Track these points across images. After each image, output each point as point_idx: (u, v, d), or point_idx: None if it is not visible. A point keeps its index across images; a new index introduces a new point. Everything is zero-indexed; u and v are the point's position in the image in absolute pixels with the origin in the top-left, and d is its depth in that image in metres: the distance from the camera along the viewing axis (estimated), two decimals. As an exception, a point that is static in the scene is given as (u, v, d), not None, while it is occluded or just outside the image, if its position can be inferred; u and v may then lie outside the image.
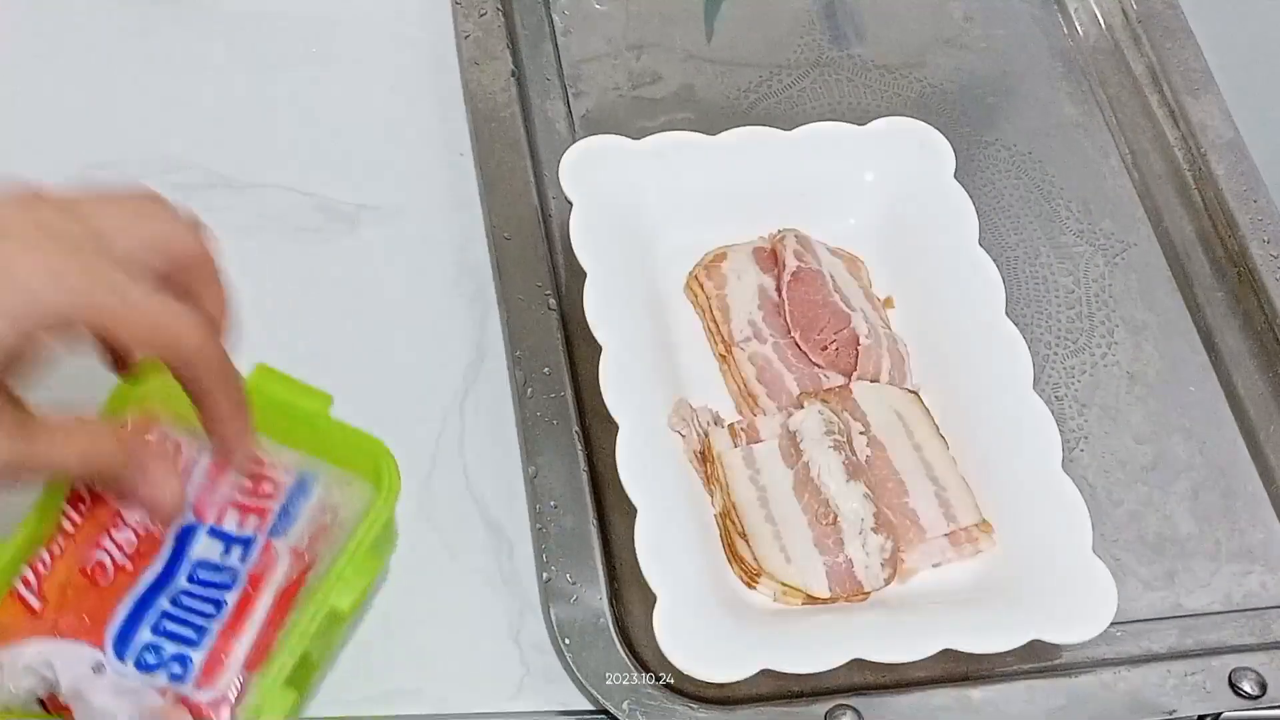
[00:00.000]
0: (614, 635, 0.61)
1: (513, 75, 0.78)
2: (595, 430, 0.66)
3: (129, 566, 0.53)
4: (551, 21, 0.84)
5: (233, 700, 0.50)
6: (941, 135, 0.74)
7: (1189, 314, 0.77)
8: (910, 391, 0.69)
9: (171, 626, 0.52)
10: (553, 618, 0.61)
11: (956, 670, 0.62)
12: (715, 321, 0.70)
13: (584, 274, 0.67)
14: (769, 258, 0.72)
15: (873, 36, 0.87)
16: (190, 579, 0.53)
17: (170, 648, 0.51)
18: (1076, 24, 0.89)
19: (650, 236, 0.71)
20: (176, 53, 0.79)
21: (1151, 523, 0.69)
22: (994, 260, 0.70)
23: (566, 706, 0.61)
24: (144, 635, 0.51)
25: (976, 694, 0.62)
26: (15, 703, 0.50)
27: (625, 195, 0.71)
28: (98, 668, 0.50)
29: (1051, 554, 0.63)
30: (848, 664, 0.58)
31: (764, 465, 0.65)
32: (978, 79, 0.86)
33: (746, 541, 0.63)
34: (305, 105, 0.78)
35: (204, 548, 0.54)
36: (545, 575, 0.62)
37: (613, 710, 0.59)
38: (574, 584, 0.62)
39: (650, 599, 0.58)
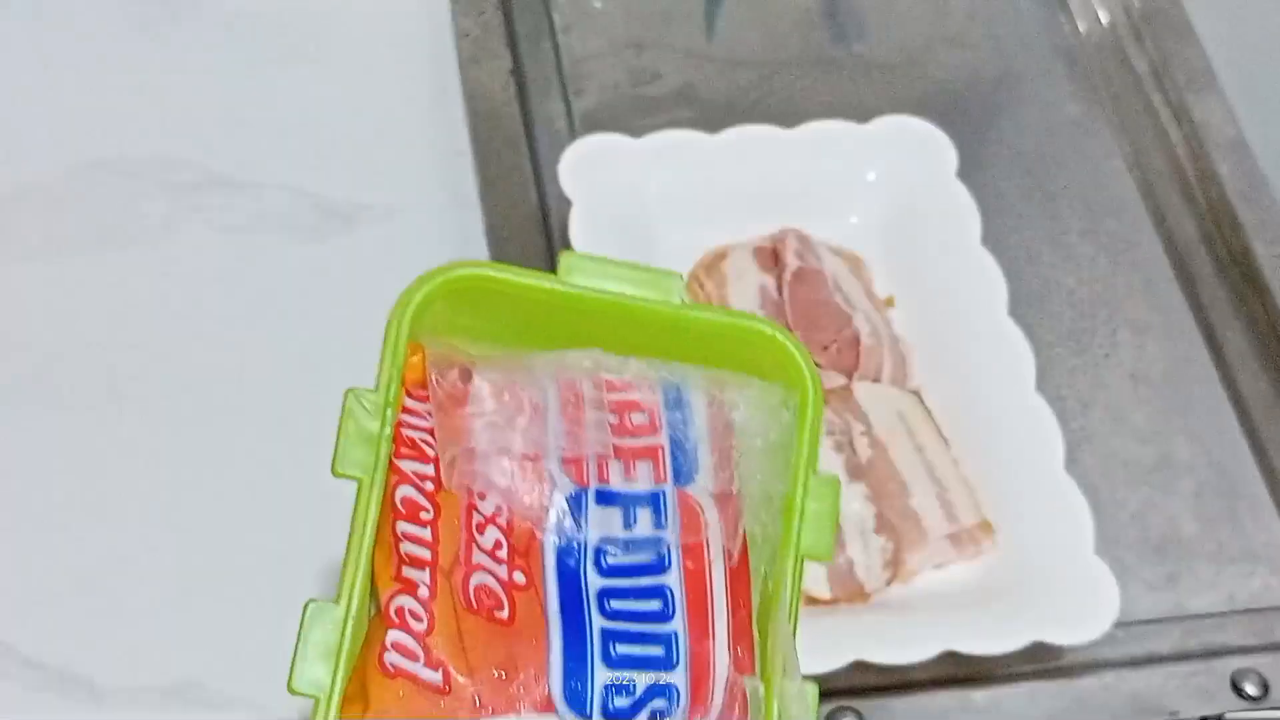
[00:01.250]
0: (614, 637, 0.61)
1: (512, 74, 0.78)
2: (595, 431, 0.66)
3: (521, 580, 0.36)
4: (551, 20, 0.83)
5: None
6: (943, 134, 0.74)
7: (1192, 314, 0.77)
8: (912, 392, 0.68)
9: (626, 649, 0.35)
10: (552, 619, 0.61)
11: (959, 672, 0.62)
12: (716, 321, 0.69)
13: (584, 274, 0.66)
14: (770, 257, 0.71)
15: (874, 34, 0.86)
16: (605, 571, 0.36)
17: (640, 678, 0.35)
18: (1079, 22, 0.89)
19: (650, 236, 0.71)
20: (176, 52, 0.79)
21: (1154, 524, 0.69)
22: (996, 259, 0.70)
23: (566, 708, 0.60)
24: (600, 674, 0.35)
25: (979, 696, 0.62)
26: None
27: (625, 194, 0.71)
28: None
29: (1054, 555, 0.62)
30: (849, 666, 0.58)
31: (765, 466, 0.64)
32: (980, 77, 0.85)
33: (747, 542, 0.62)
34: (304, 105, 0.78)
35: (599, 522, 0.37)
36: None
37: (613, 712, 0.59)
38: (574, 585, 0.62)
39: (650, 600, 0.58)
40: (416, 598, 0.35)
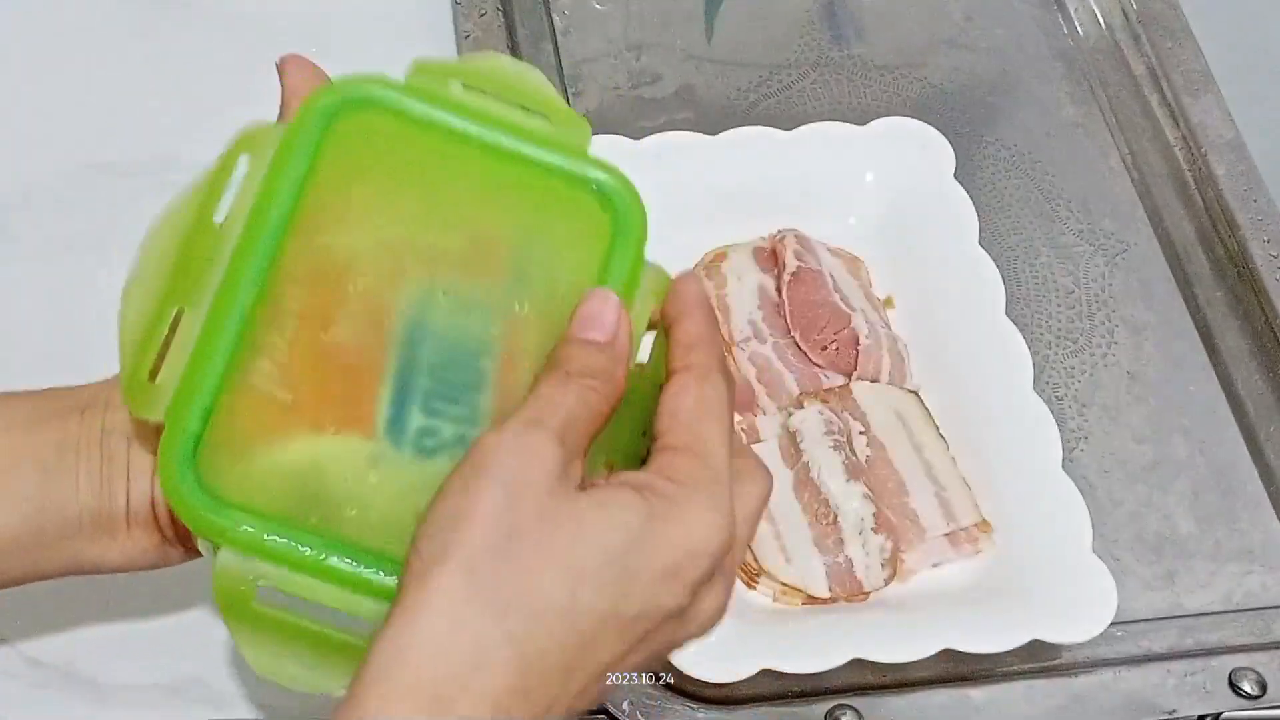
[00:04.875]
0: (614, 635, 0.61)
1: (512, 75, 0.78)
2: (595, 430, 0.66)
3: (370, 339, 0.43)
4: (551, 21, 0.84)
5: None
6: (941, 135, 0.74)
7: (1189, 314, 0.77)
8: (910, 391, 0.69)
9: (439, 405, 0.43)
10: (553, 618, 0.61)
11: (956, 670, 0.62)
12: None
13: (584, 274, 0.66)
14: (769, 258, 0.72)
15: (873, 36, 0.87)
16: (436, 349, 0.44)
17: (447, 429, 0.43)
18: (1076, 24, 0.89)
19: (650, 236, 0.71)
20: (176, 53, 0.79)
21: (1151, 523, 0.69)
22: (994, 260, 0.70)
23: (566, 706, 0.61)
24: (415, 418, 0.43)
25: (976, 694, 0.62)
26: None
27: (625, 195, 0.71)
28: (373, 461, 0.42)
29: (1051, 554, 0.63)
30: (848, 664, 0.58)
31: (764, 465, 0.64)
32: (978, 79, 0.85)
33: (746, 541, 0.62)
34: (305, 105, 0.78)
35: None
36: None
37: (613, 710, 0.59)
38: (574, 584, 0.62)
39: (650, 599, 0.58)
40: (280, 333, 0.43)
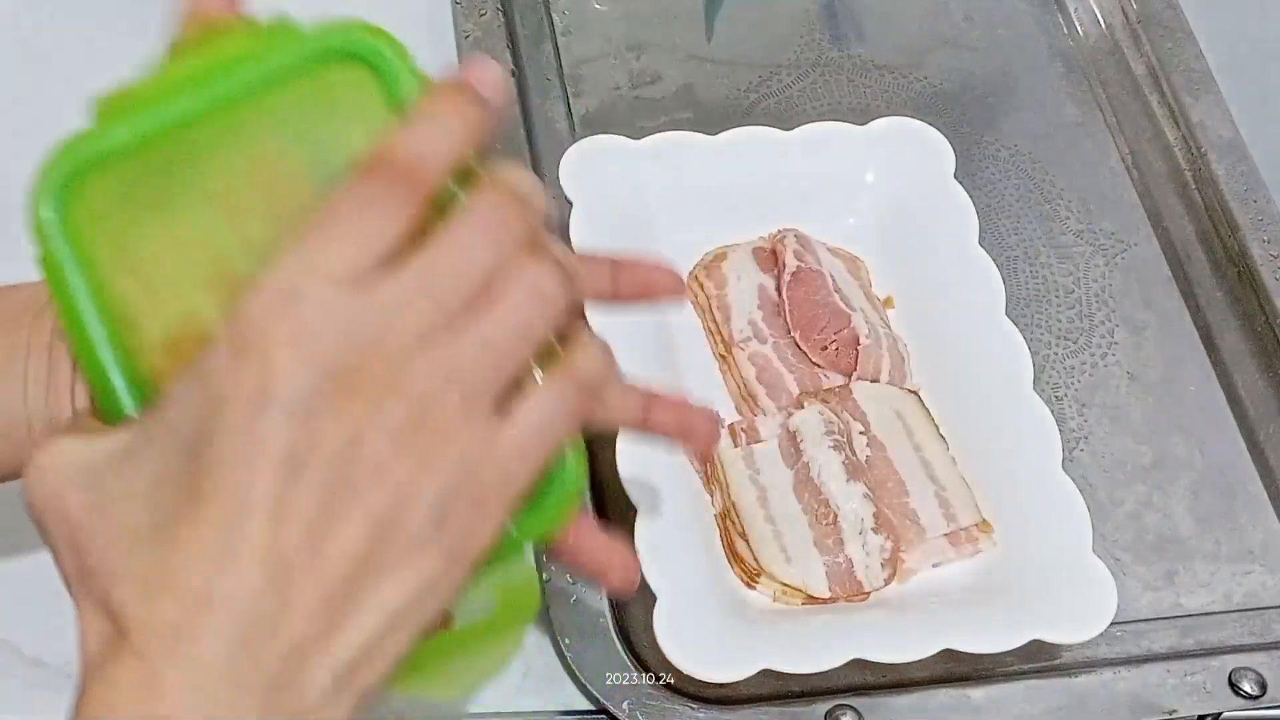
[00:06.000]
0: (614, 635, 0.61)
1: (513, 75, 0.78)
2: (595, 430, 0.66)
3: None
4: (551, 21, 0.84)
5: None
6: (942, 135, 0.74)
7: (1189, 314, 0.77)
8: (910, 391, 0.69)
9: None
10: (553, 618, 0.61)
11: (957, 670, 0.62)
12: (715, 321, 0.70)
13: (584, 274, 0.66)
14: (769, 258, 0.72)
15: (873, 36, 0.87)
16: None
17: None
18: (1076, 24, 0.89)
19: (650, 236, 0.71)
20: (176, 53, 0.79)
21: (1151, 522, 0.69)
22: (994, 260, 0.70)
23: (566, 706, 0.61)
24: None
25: (977, 694, 0.62)
26: None
27: (625, 195, 0.71)
28: None
29: (1051, 554, 0.63)
30: (848, 664, 0.58)
31: (764, 465, 0.65)
32: (978, 79, 0.86)
33: (746, 541, 0.63)
34: (305, 105, 0.78)
35: None
36: (545, 575, 0.62)
37: (613, 710, 0.59)
38: (574, 584, 0.62)
39: (650, 599, 0.58)
40: None
